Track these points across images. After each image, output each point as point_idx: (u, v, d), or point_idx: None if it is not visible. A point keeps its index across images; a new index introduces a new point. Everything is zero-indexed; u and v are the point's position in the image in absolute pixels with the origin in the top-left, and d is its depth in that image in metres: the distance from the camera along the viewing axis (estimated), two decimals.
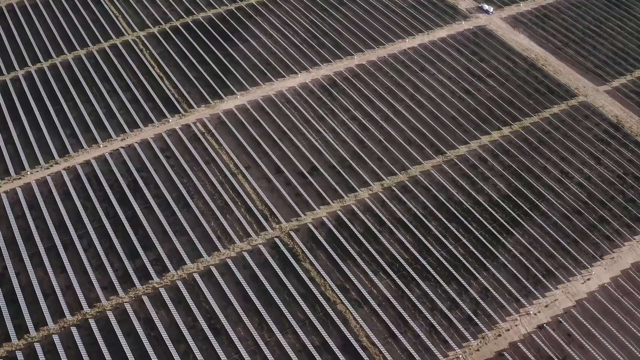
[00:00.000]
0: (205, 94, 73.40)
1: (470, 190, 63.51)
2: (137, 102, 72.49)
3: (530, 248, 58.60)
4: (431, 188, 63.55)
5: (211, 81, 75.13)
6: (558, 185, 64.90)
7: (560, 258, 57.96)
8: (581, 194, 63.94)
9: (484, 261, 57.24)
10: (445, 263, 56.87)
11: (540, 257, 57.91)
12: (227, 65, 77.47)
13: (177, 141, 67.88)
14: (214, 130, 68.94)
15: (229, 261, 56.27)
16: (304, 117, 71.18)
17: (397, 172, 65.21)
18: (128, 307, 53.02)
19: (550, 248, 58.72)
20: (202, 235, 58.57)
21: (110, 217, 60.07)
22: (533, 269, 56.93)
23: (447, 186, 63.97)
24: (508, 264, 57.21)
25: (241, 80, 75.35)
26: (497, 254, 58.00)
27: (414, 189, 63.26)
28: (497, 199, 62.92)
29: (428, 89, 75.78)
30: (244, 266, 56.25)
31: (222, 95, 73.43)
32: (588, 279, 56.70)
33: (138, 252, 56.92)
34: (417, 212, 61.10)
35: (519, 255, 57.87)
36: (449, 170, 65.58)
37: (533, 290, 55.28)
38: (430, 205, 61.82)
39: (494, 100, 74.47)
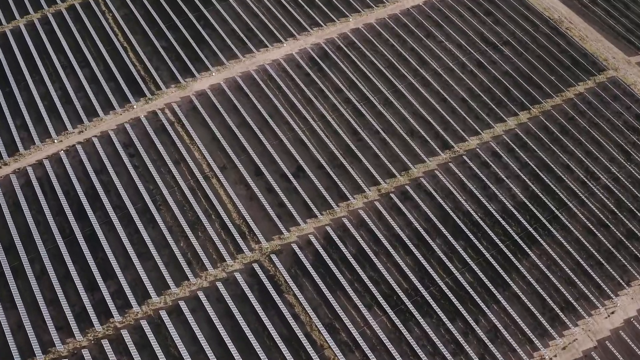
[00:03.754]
0: (175, 71, 63.13)
1: (480, 197, 55.03)
2: (97, 81, 62.44)
3: (548, 273, 51.03)
4: (435, 195, 55.05)
5: (182, 53, 64.57)
6: (582, 188, 56.32)
7: (582, 286, 50.53)
8: (608, 201, 55.53)
9: (494, 291, 49.83)
10: (450, 294, 49.50)
11: (558, 284, 50.47)
12: (201, 31, 66.54)
13: (142, 134, 58.64)
14: (184, 120, 59.48)
15: (201, 294, 48.93)
16: (289, 100, 61.41)
17: (396, 173, 56.45)
18: (86, 353, 46.25)
19: (570, 273, 51.14)
20: (170, 259, 50.91)
21: (66, 235, 52.18)
22: (550, 301, 49.65)
23: (454, 192, 55.45)
24: (522, 294, 49.84)
25: (217, 51, 64.76)
26: (510, 281, 50.49)
27: (415, 196, 54.80)
28: (512, 208, 54.59)
29: (434, 61, 65.31)
30: (217, 300, 49.00)
31: (195, 71, 63.14)
32: (612, 312, 49.57)
33: (97, 283, 49.53)
34: (419, 227, 52.98)
35: (534, 283, 50.41)
36: (457, 171, 56.77)
37: (549, 328, 48.25)
38: (434, 218, 53.61)
39: (510, 76, 64.22)
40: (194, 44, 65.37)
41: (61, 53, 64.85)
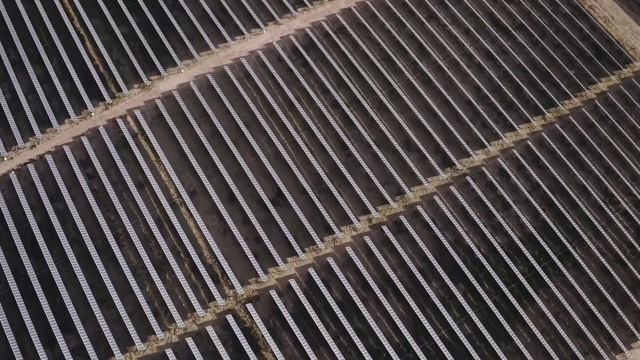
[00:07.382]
0: (138, 67, 54.87)
1: (484, 229, 48.78)
2: (50, 81, 54.44)
3: (555, 323, 45.80)
4: (433, 226, 48.79)
5: (146, 43, 55.93)
6: (599, 216, 49.94)
7: (591, 337, 45.41)
8: (626, 232, 49.29)
9: (495, 347, 44.81)
10: (445, 351, 44.49)
11: (566, 336, 45.35)
12: (167, 14, 57.48)
13: (102, 150, 51.63)
14: (148, 131, 52.22)
15: (169, 352, 43.97)
16: (268, 105, 53.76)
17: (389, 199, 49.87)
18: None
19: (579, 322, 45.89)
20: (135, 309, 45.68)
21: (20, 278, 46.72)
22: (556, 357, 44.72)
23: (455, 222, 49.09)
24: (525, 349, 44.87)
25: (186, 41, 56.10)
26: (513, 333, 45.32)
27: (410, 228, 48.57)
28: (519, 242, 48.49)
29: (437, 51, 56.79)
30: (188, 358, 44.22)
31: (161, 67, 54.92)
32: None
33: (54, 337, 44.61)
34: (413, 268, 47.19)
35: (539, 335, 45.29)
36: (459, 195, 50.13)
37: None
38: (430, 256, 47.68)
39: (523, 71, 55.91)
40: (159, 31, 56.65)
41: (10, 45, 56.25)
